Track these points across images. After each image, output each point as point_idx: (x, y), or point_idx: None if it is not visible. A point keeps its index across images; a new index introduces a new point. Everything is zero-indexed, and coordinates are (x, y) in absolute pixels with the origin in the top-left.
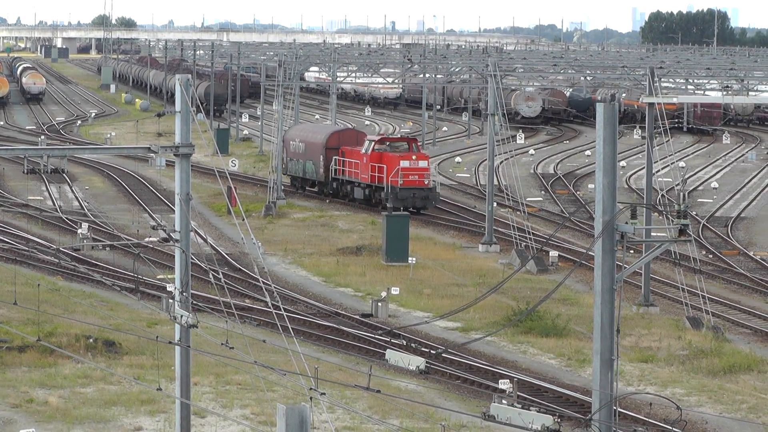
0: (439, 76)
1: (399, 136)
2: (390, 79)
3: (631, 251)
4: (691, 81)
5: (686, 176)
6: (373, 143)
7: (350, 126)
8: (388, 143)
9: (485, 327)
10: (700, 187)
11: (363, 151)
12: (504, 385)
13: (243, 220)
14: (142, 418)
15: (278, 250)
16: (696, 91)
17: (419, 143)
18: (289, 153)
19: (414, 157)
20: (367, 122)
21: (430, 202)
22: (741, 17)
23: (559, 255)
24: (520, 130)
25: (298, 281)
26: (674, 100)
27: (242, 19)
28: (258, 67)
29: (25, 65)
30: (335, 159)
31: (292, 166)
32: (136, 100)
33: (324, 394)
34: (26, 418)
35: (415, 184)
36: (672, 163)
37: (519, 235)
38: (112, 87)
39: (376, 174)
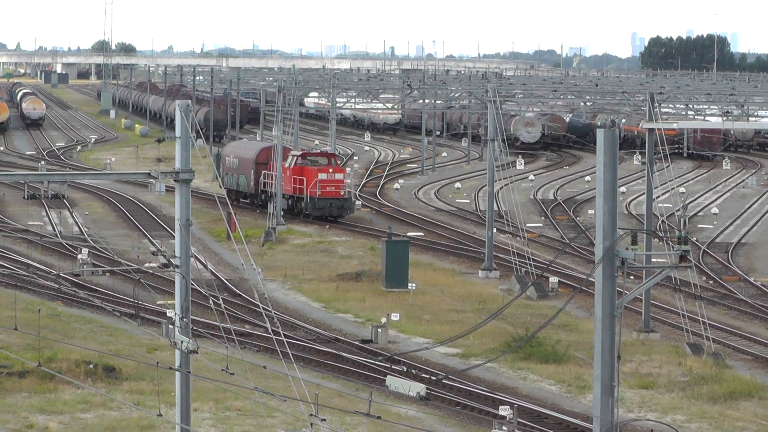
0: (438, 101)
1: (320, 151)
2: (389, 105)
3: (632, 277)
4: (691, 106)
5: (687, 202)
6: (295, 158)
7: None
8: (309, 158)
9: (485, 353)
10: (701, 213)
11: (287, 165)
12: (504, 411)
13: (243, 245)
14: None
15: (278, 275)
16: (696, 117)
17: (337, 157)
18: (225, 168)
19: (331, 170)
20: (366, 148)
21: (346, 211)
22: (741, 42)
23: (559, 281)
24: (520, 156)
25: (297, 307)
26: (674, 125)
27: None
28: (257, 92)
29: (24, 91)
30: (264, 173)
31: (228, 180)
32: (136, 125)
33: (324, 420)
34: None
35: (332, 194)
36: (672, 189)
37: (519, 261)
38: (112, 112)
39: (298, 186)
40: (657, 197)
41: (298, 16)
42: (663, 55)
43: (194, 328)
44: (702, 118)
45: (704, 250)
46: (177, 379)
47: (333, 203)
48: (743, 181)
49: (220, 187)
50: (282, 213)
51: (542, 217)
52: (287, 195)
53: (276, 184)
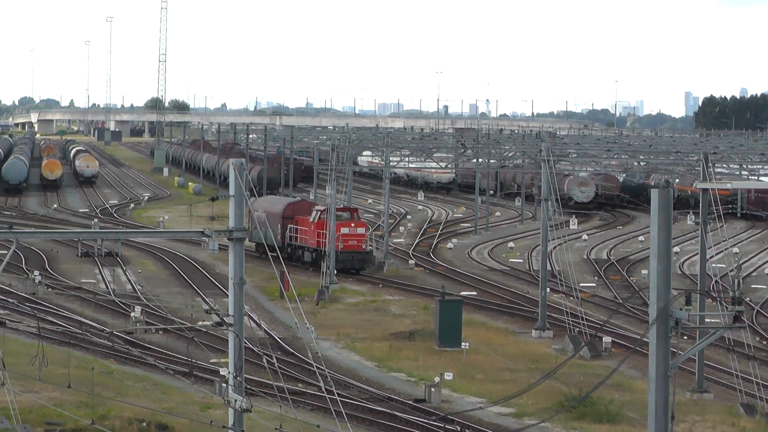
0: (492, 160)
1: (342, 206)
2: (443, 164)
3: (685, 337)
4: (744, 166)
5: (740, 262)
6: (319, 212)
7: (304, 198)
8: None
9: (539, 413)
10: (754, 273)
11: (311, 219)
12: None
13: (296, 304)
14: None
15: (331, 334)
16: (750, 177)
17: (359, 212)
18: (253, 222)
19: (353, 225)
20: (420, 207)
21: (367, 264)
22: None
23: (612, 341)
24: (573, 216)
25: (350, 366)
26: (728, 185)
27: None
28: (311, 150)
29: (78, 148)
30: (290, 227)
31: (256, 234)
32: (189, 183)
33: None
34: None
35: (354, 248)
36: (726, 249)
37: (572, 321)
38: (165, 170)
39: (322, 240)
40: (711, 257)
41: (352, 74)
42: (717, 114)
43: (248, 386)
44: (756, 178)
45: (758, 310)
46: None
47: (355, 256)
48: None
49: (249, 240)
50: (308, 265)
51: (595, 277)
52: (311, 248)
53: (329, 243)
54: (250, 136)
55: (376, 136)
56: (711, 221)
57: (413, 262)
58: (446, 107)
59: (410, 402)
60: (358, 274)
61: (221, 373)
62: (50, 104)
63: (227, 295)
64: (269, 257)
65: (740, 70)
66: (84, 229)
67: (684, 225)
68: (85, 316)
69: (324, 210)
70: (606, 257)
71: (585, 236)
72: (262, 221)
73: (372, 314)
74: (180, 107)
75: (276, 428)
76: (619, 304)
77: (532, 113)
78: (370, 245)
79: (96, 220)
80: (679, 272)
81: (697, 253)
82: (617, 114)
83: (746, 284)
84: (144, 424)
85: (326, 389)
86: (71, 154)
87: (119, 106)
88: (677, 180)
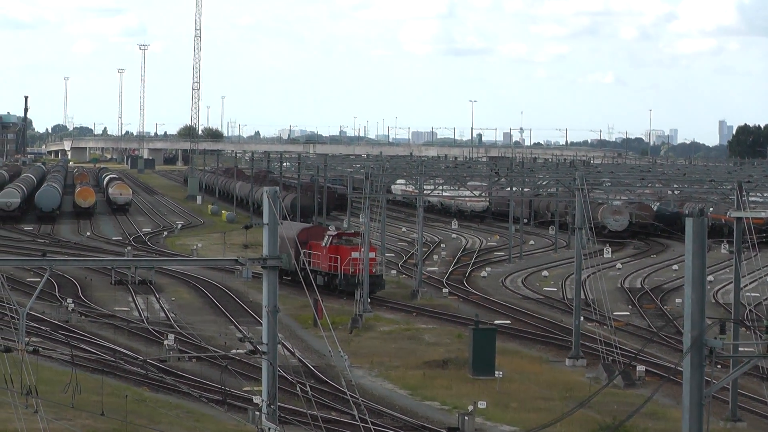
0: (525, 189)
1: (353, 231)
2: (477, 192)
3: (719, 366)
4: None
5: None
6: (330, 237)
7: (318, 224)
8: (343, 237)
9: None
10: None
11: (323, 244)
12: None
13: (330, 332)
14: None
15: (365, 362)
16: None
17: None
18: None
19: (363, 249)
20: (453, 235)
21: (377, 287)
22: None
23: (646, 369)
24: (607, 244)
25: (384, 394)
26: (762, 214)
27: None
28: (344, 178)
29: (111, 176)
30: (304, 251)
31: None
32: (223, 211)
33: None
34: None
35: None
36: (760, 278)
37: (606, 350)
38: (199, 198)
39: (333, 263)
40: (745, 286)
41: (386, 102)
42: (751, 143)
43: (281, 414)
44: None
45: None
46: None
47: None
48: None
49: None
50: (317, 288)
51: (629, 306)
52: (323, 272)
53: (364, 270)
54: (284, 164)
55: (410, 164)
56: (745, 250)
57: (447, 290)
58: (480, 135)
59: (444, 431)
60: (393, 302)
61: (255, 401)
62: (83, 132)
63: (261, 323)
64: (303, 285)
65: None
66: (117, 256)
67: (718, 254)
68: (118, 344)
69: (335, 235)
70: (640, 286)
71: (619, 265)
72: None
73: (406, 342)
74: (213, 135)
75: None
76: (653, 333)
77: (566, 142)
78: (380, 268)
79: (129, 247)
80: (713, 301)
81: (731, 282)
82: (651, 143)
83: None
84: None
85: (360, 417)
86: (104, 182)
87: (152, 134)
88: (711, 208)
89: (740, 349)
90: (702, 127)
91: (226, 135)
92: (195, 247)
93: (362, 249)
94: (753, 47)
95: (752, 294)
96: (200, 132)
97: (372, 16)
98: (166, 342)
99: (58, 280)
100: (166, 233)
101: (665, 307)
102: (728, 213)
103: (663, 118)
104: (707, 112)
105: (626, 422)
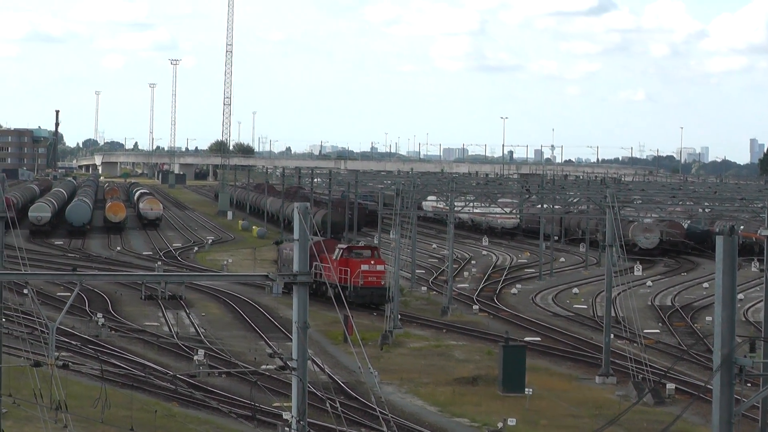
0: (556, 206)
1: (363, 244)
2: (507, 209)
3: (749, 384)
4: None
5: None
6: (341, 251)
7: (329, 237)
8: (354, 251)
9: None
10: None
11: (334, 257)
12: None
13: (360, 348)
14: None
15: (394, 379)
16: None
17: (380, 250)
18: (281, 260)
19: (373, 262)
20: (484, 252)
21: (385, 299)
22: None
23: (676, 387)
24: (638, 262)
25: (414, 410)
26: None
27: (360, 147)
28: (375, 195)
29: (142, 191)
30: (315, 264)
31: (285, 271)
32: (253, 227)
33: None
34: None
35: (373, 284)
36: None
37: (636, 367)
38: (229, 213)
39: (343, 276)
40: None
41: (417, 118)
42: None
43: (310, 430)
44: None
45: None
46: None
47: (374, 292)
48: None
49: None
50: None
51: (660, 324)
52: (333, 284)
53: (395, 286)
54: (315, 180)
55: (441, 180)
56: None
57: (477, 307)
58: (511, 152)
59: None
60: (423, 319)
61: (284, 417)
62: (114, 147)
63: (290, 339)
64: (333, 301)
65: None
66: (147, 271)
67: (748, 272)
68: (148, 359)
69: (345, 248)
70: (670, 304)
71: (649, 282)
72: (290, 260)
73: (435, 359)
74: (245, 151)
75: None
76: (683, 351)
77: (597, 159)
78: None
79: (159, 262)
80: (744, 319)
81: (762, 300)
82: (682, 160)
83: None
84: None
85: None
86: (135, 197)
87: (183, 149)
88: (742, 227)
89: None
90: (733, 145)
91: (257, 150)
92: (225, 262)
93: (372, 262)
94: None
95: None
96: (231, 147)
97: (403, 32)
98: (195, 357)
99: (88, 295)
100: (196, 248)
101: (695, 325)
102: (759, 231)
103: (694, 135)
104: (738, 130)
105: None
